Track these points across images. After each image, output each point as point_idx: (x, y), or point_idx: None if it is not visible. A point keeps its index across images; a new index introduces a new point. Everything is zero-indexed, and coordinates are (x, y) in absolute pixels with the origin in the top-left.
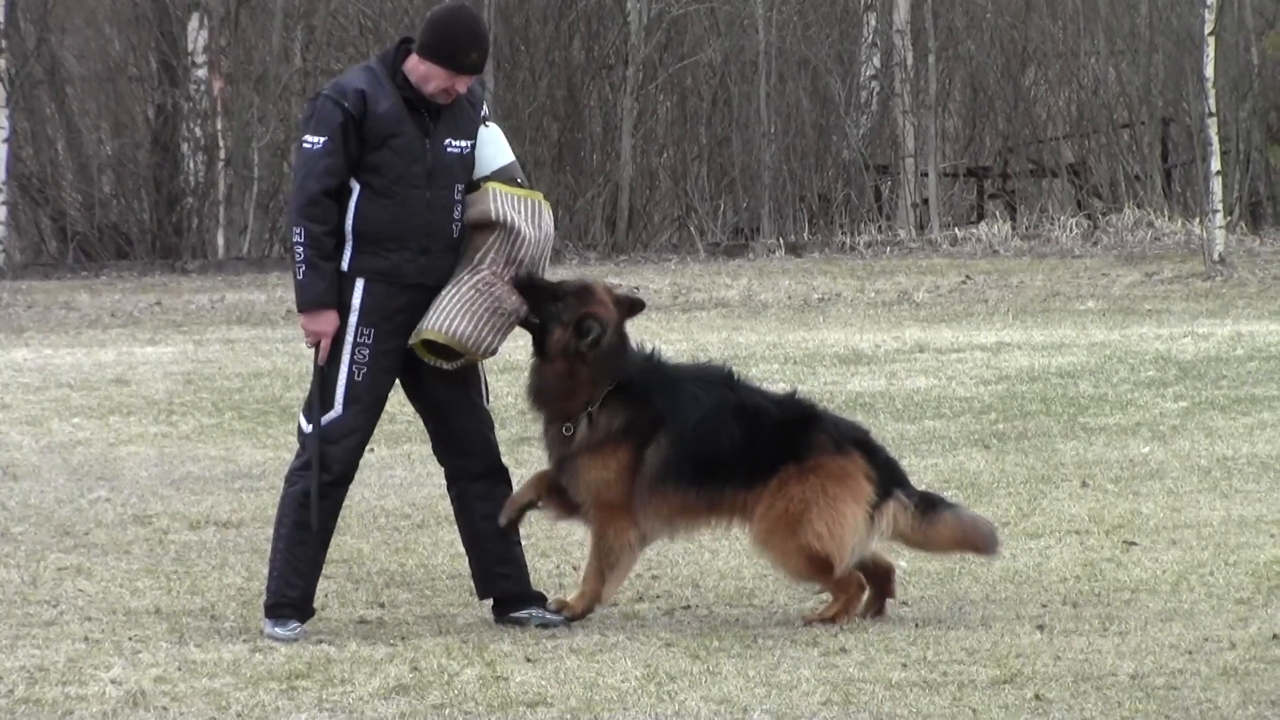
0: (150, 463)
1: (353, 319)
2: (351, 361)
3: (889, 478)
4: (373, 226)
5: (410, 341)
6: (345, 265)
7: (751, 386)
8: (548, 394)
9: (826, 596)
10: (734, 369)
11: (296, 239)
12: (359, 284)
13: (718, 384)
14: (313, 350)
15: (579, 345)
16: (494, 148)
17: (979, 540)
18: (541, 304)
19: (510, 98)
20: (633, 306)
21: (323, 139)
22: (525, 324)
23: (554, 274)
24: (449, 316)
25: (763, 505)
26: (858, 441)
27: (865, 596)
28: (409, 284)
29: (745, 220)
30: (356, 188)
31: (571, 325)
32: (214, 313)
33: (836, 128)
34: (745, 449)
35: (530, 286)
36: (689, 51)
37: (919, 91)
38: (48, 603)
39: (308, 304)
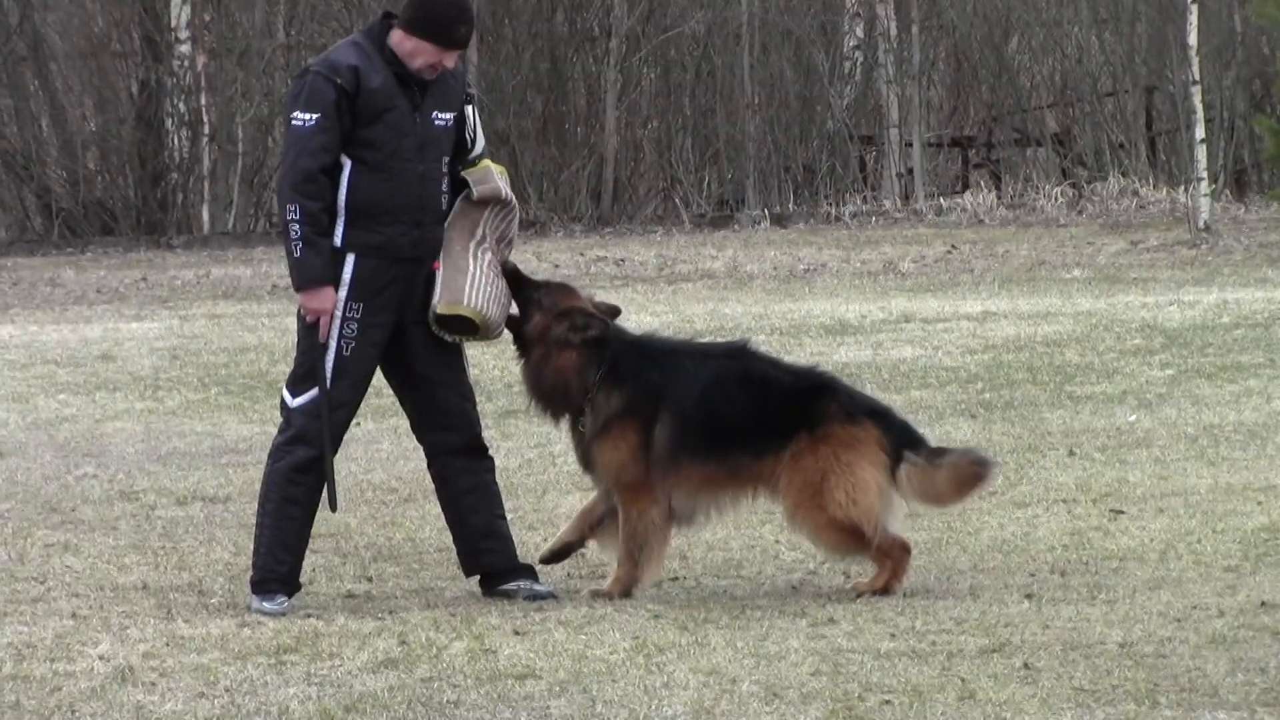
0: (137, 438)
1: (343, 294)
2: (340, 336)
3: (901, 441)
4: (366, 201)
5: (440, 311)
6: (337, 241)
7: (764, 356)
8: (539, 387)
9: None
10: (751, 340)
11: (291, 216)
12: (350, 259)
13: (720, 355)
14: (298, 325)
15: (566, 334)
16: (476, 124)
17: (978, 471)
18: (522, 291)
19: (494, 71)
20: (611, 315)
21: (315, 115)
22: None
23: (538, 248)
24: (486, 298)
25: (783, 480)
26: (872, 411)
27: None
28: (401, 258)
29: (730, 191)
30: (348, 163)
31: (553, 313)
32: (199, 288)
33: (820, 98)
34: (754, 418)
35: (513, 275)
36: (672, 23)
37: (903, 61)
38: (35, 579)
39: (307, 281)
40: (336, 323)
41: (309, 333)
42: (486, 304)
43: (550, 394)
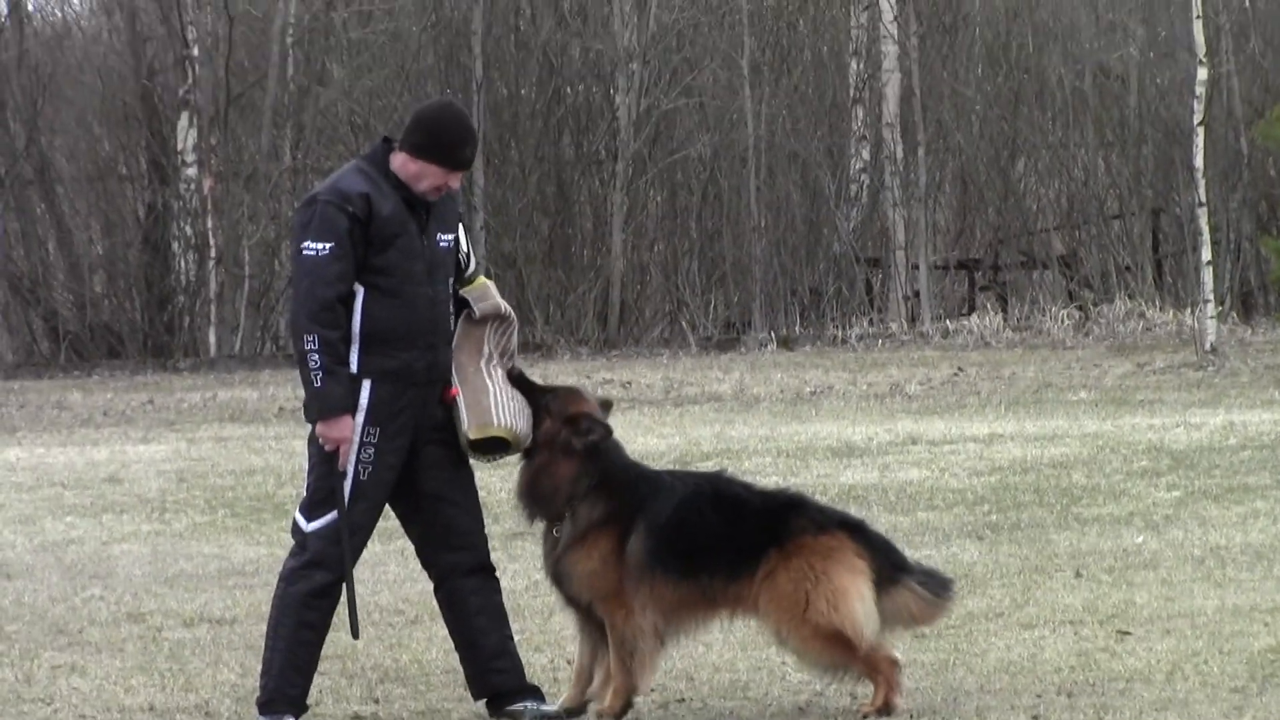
0: (144, 560)
1: (360, 419)
2: (357, 461)
3: (889, 562)
4: (380, 327)
5: (473, 436)
6: (353, 367)
7: (737, 480)
8: (533, 490)
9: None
10: (727, 469)
11: (310, 347)
12: (366, 385)
13: (698, 477)
14: (308, 450)
15: (570, 439)
16: (467, 241)
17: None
18: (532, 397)
19: (500, 193)
20: (607, 406)
21: (329, 244)
22: None
23: (545, 370)
24: (511, 413)
25: (762, 600)
26: (843, 524)
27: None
28: (417, 382)
29: (736, 314)
30: (361, 290)
31: (562, 418)
32: (206, 411)
33: (827, 221)
34: (725, 537)
35: (519, 380)
36: (678, 146)
37: (909, 184)
38: (42, 701)
39: (328, 411)
40: (354, 448)
41: (324, 459)
42: (513, 419)
43: (542, 497)
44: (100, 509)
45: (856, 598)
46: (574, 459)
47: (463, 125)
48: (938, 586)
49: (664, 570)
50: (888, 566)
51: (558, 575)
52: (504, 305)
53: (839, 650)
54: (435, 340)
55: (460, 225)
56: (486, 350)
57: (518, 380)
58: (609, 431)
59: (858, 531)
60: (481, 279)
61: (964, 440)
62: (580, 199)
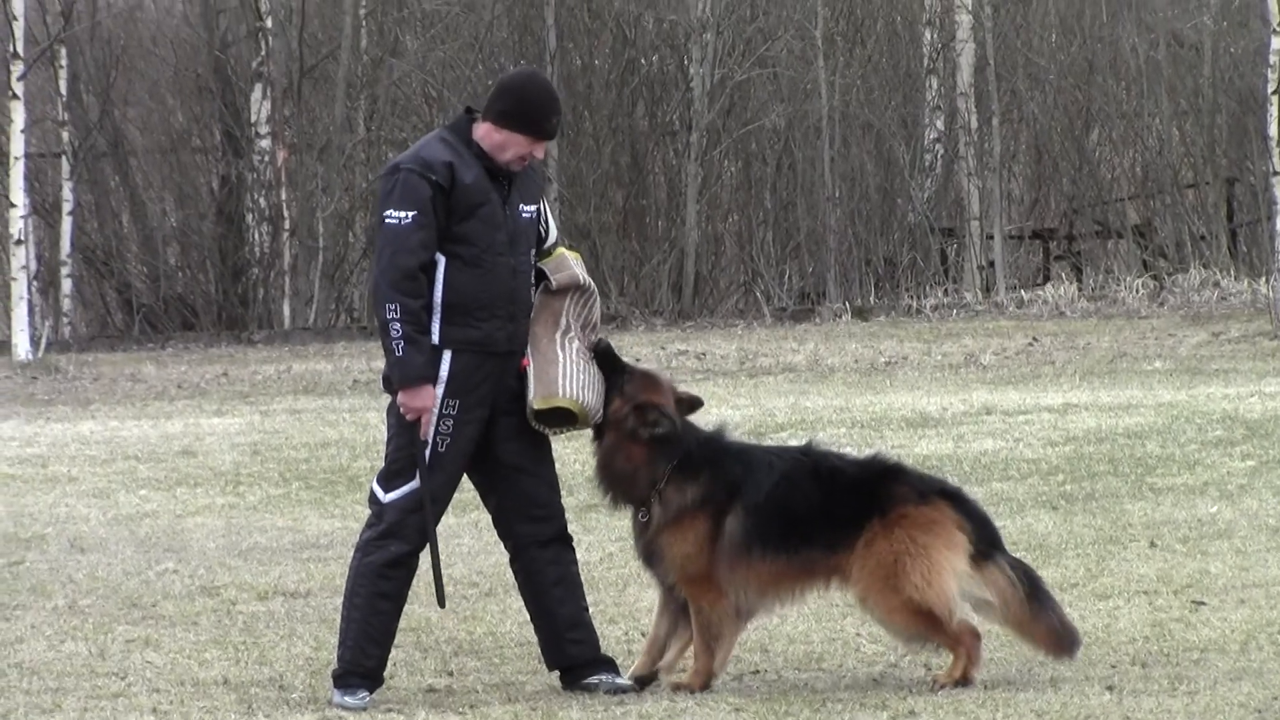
0: (217, 534)
1: (439, 390)
2: (436, 432)
3: (985, 536)
4: (462, 297)
5: (537, 406)
6: (434, 338)
7: (829, 451)
8: (610, 474)
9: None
10: (812, 440)
11: (391, 315)
12: (446, 355)
13: (795, 451)
14: (386, 421)
15: (637, 427)
16: (547, 213)
17: (1064, 646)
18: (611, 373)
19: (574, 164)
20: (692, 405)
21: (412, 213)
22: None
23: (619, 341)
24: (579, 385)
25: (855, 566)
26: (944, 492)
27: None
28: (497, 352)
29: (811, 284)
30: (442, 260)
31: (631, 403)
32: (280, 383)
33: (901, 191)
34: (825, 510)
35: (605, 355)
36: (752, 117)
37: (983, 154)
38: (116, 674)
39: (410, 380)
40: (433, 419)
41: (403, 429)
42: (581, 391)
43: (616, 480)
44: (174, 482)
45: (951, 575)
46: (642, 445)
47: (548, 94)
48: (1034, 594)
49: (762, 547)
50: (983, 541)
51: (649, 557)
52: (582, 276)
53: (926, 625)
54: (516, 311)
55: (543, 198)
56: (564, 322)
57: (603, 354)
58: (674, 427)
59: (958, 501)
60: (561, 250)
61: (1038, 410)
62: (654, 170)
